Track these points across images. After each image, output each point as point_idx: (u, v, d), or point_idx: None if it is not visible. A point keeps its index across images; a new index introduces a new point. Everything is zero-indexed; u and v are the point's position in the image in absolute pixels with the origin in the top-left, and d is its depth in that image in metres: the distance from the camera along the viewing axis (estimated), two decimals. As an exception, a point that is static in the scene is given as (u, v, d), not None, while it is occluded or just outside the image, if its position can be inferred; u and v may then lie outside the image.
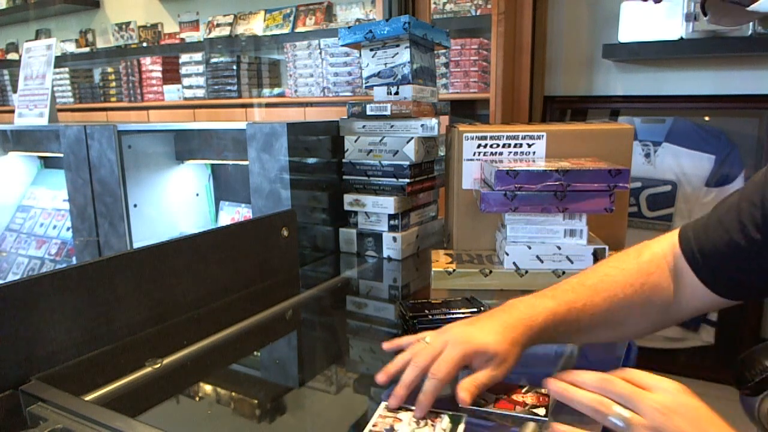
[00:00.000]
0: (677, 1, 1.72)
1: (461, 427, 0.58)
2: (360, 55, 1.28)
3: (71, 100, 3.89)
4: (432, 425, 0.59)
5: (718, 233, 0.68)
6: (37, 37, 4.22)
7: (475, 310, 0.83)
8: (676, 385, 0.50)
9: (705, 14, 0.69)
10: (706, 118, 1.90)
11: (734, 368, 0.89)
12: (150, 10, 3.71)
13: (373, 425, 0.59)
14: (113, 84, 3.72)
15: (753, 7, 0.64)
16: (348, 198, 1.29)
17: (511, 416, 0.61)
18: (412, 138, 1.21)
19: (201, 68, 3.26)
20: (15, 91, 3.96)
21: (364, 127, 1.27)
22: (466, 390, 0.59)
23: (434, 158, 1.33)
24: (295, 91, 2.98)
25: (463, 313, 0.82)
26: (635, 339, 0.80)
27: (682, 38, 1.73)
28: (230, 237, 0.98)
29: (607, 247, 1.02)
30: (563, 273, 1.02)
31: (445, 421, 0.59)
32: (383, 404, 0.62)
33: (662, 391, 0.50)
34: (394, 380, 0.64)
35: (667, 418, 0.47)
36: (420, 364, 0.61)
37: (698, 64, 1.91)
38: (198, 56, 3.27)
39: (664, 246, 0.74)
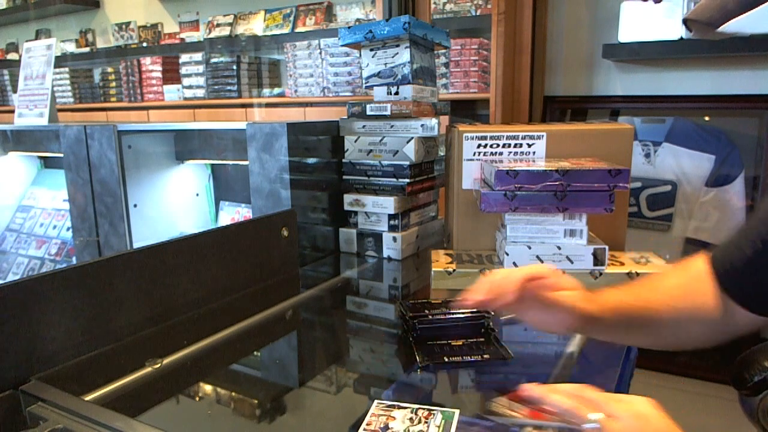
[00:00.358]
0: (677, 1, 1.72)
1: (454, 424, 0.59)
2: (360, 55, 1.28)
3: (71, 100, 3.89)
4: (425, 422, 0.59)
5: (735, 251, 0.69)
6: (37, 37, 4.22)
7: (476, 309, 0.83)
8: (646, 398, 0.53)
9: (690, 30, 0.71)
10: (706, 118, 1.90)
11: (733, 369, 0.89)
12: (150, 10, 3.72)
13: (367, 424, 0.59)
14: (113, 84, 3.72)
15: (721, 29, 0.65)
16: (348, 198, 1.29)
17: (547, 426, 0.59)
18: (412, 138, 1.21)
19: (201, 68, 3.26)
20: (15, 91, 3.96)
21: (364, 127, 1.27)
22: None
23: (434, 158, 1.33)
24: (295, 91, 2.98)
25: (463, 313, 0.82)
26: (694, 348, 0.80)
27: (682, 38, 1.73)
28: (230, 237, 0.98)
29: (607, 247, 1.02)
30: (563, 273, 1.02)
31: (438, 418, 0.59)
32: (376, 402, 0.62)
33: (634, 401, 0.52)
34: (393, 381, 0.63)
35: (641, 421, 0.50)
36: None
37: (698, 64, 1.91)
38: (198, 56, 3.27)
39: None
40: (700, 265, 0.73)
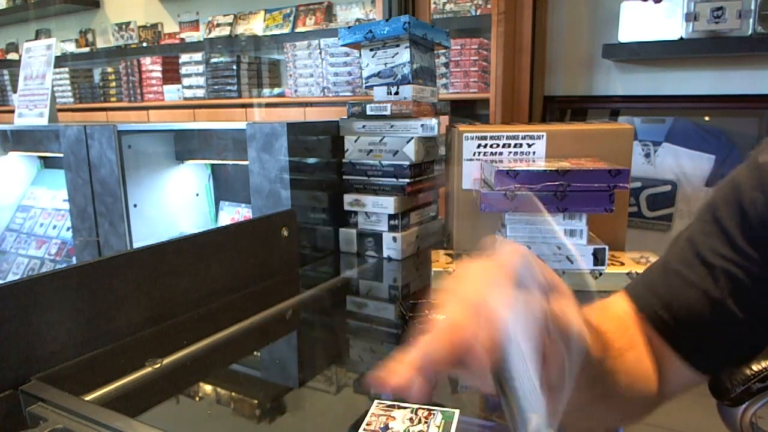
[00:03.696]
0: (677, 1, 1.72)
1: (454, 424, 0.59)
2: (360, 55, 1.28)
3: (71, 100, 3.89)
4: (425, 422, 0.59)
5: (685, 287, 0.53)
6: (37, 37, 4.22)
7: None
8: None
9: None
10: (706, 118, 1.90)
11: (712, 377, 0.87)
12: (150, 10, 3.72)
13: (367, 424, 0.59)
14: (113, 84, 3.72)
15: None
16: (348, 198, 1.29)
17: None
18: (412, 138, 1.21)
19: (201, 68, 3.26)
20: (15, 91, 3.96)
21: (364, 127, 1.27)
22: None
23: (434, 158, 1.33)
24: (295, 91, 2.98)
25: None
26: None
27: (682, 38, 1.73)
28: (230, 237, 0.98)
29: (607, 247, 1.02)
30: (563, 273, 1.02)
31: (438, 418, 0.60)
32: (376, 402, 0.62)
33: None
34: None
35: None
36: None
37: (698, 64, 1.91)
38: (198, 56, 3.27)
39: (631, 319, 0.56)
40: (622, 312, 0.56)
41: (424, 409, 0.61)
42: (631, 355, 0.52)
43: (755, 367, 0.79)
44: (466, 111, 2.46)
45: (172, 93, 3.41)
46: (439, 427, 0.58)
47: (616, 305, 0.58)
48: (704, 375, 0.55)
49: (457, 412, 0.61)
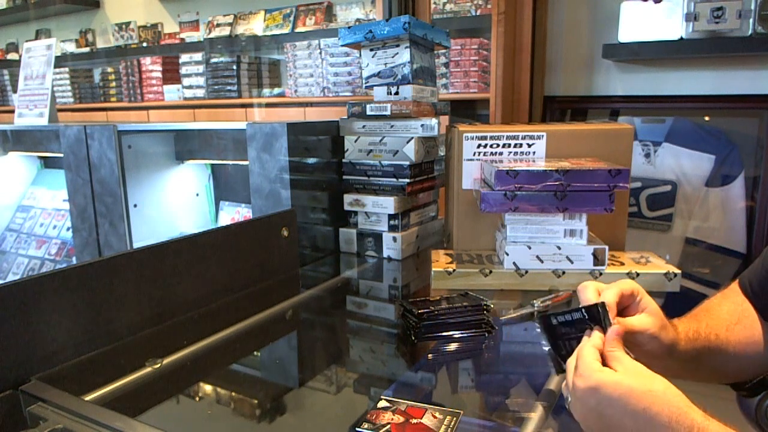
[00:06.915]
0: (677, 1, 1.72)
1: (455, 422, 0.59)
2: (360, 55, 1.28)
3: (71, 100, 3.89)
4: (430, 419, 0.59)
5: (759, 268, 0.70)
6: (37, 37, 4.22)
7: (477, 304, 0.83)
8: (608, 379, 0.52)
9: None
10: (706, 118, 1.90)
11: None
12: (150, 10, 3.72)
13: (370, 416, 0.59)
14: (113, 84, 3.72)
15: None
16: (348, 198, 1.29)
17: None
18: (412, 138, 1.21)
19: (201, 68, 3.26)
20: (15, 91, 3.96)
21: (364, 127, 1.27)
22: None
23: (434, 158, 1.33)
24: (295, 91, 2.98)
25: (464, 307, 0.83)
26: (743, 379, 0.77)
27: (682, 38, 1.73)
28: (230, 237, 0.98)
29: (606, 247, 1.02)
30: (563, 273, 1.02)
31: (440, 417, 0.59)
32: (382, 398, 0.63)
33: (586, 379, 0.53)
34: (395, 381, 0.63)
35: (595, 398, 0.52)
36: None
37: (698, 64, 1.91)
38: (198, 56, 3.27)
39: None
40: (736, 288, 0.74)
41: (426, 407, 0.61)
42: (740, 326, 0.70)
43: None
44: (466, 111, 2.46)
45: (172, 93, 3.41)
46: (442, 425, 0.58)
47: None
48: None
49: (461, 413, 0.60)
